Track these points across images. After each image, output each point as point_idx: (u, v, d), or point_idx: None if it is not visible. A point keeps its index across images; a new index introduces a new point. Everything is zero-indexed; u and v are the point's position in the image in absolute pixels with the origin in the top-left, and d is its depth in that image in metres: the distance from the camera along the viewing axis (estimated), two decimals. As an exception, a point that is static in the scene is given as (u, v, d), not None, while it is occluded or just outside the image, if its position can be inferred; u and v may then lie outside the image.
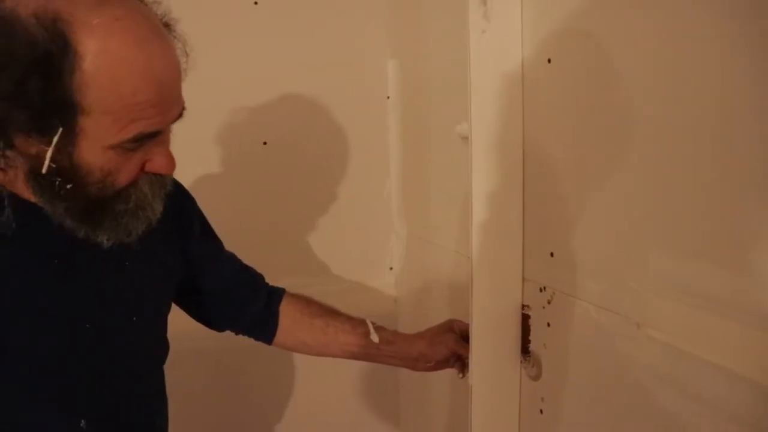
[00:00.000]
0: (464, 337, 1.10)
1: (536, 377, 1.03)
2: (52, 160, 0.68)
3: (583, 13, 0.87)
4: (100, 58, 0.66)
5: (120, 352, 0.85)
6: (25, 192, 0.74)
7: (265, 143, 1.53)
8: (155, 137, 0.73)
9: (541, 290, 1.00)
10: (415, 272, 1.61)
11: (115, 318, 0.84)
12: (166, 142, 0.76)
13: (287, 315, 1.12)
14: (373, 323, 1.14)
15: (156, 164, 0.75)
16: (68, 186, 0.71)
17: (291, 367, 1.63)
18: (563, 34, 0.91)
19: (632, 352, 0.80)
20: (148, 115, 0.70)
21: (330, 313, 1.14)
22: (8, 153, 0.69)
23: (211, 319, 1.11)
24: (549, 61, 0.93)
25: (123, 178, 0.73)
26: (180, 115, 0.76)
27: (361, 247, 1.66)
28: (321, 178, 1.60)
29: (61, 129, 0.67)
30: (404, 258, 1.65)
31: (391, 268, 1.68)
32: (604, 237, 0.87)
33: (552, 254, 0.97)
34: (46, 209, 0.73)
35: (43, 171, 0.69)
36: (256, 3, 1.49)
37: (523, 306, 1.04)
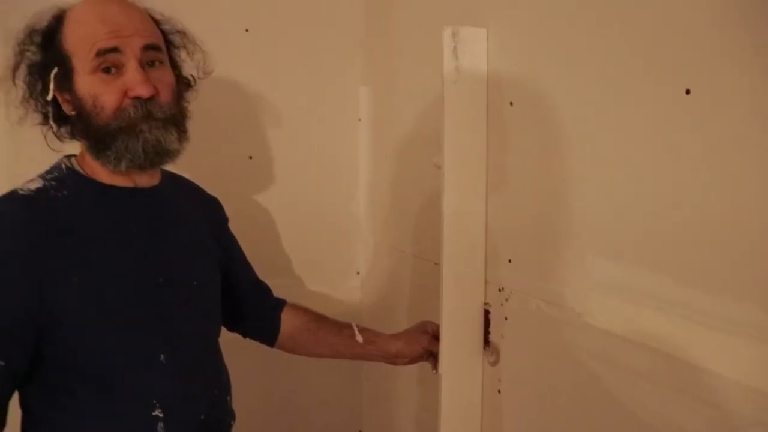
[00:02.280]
0: (436, 337, 1.28)
1: (494, 363, 1.23)
2: (69, 101, 0.98)
3: (540, 65, 1.09)
4: (71, 17, 0.98)
5: (184, 306, 1.05)
6: (104, 173, 1.01)
7: (250, 157, 1.70)
8: (114, 55, 0.95)
9: (500, 290, 1.21)
10: (379, 276, 1.80)
11: (181, 278, 1.06)
12: (134, 69, 0.95)
13: (287, 322, 1.31)
14: (357, 325, 1.33)
15: (130, 85, 0.95)
16: (81, 117, 0.97)
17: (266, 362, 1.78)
18: (523, 82, 1.13)
19: (574, 337, 1.02)
20: (102, 37, 0.94)
21: (322, 319, 1.34)
22: (50, 122, 1.00)
23: (226, 320, 1.27)
24: (511, 104, 1.15)
25: (109, 101, 0.95)
26: (147, 47, 0.98)
27: (331, 254, 1.84)
28: (298, 189, 1.76)
29: (56, 68, 0.96)
30: (370, 263, 1.83)
31: (357, 273, 1.87)
32: (553, 246, 1.08)
33: (510, 260, 1.18)
34: (96, 158, 0.99)
35: (48, 98, 0.98)
36: (247, 30, 1.66)
37: (484, 304, 1.25)
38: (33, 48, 0.99)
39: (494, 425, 1.24)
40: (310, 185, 1.78)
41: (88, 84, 0.95)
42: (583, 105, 0.99)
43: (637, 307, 0.90)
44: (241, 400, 1.73)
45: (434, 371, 1.31)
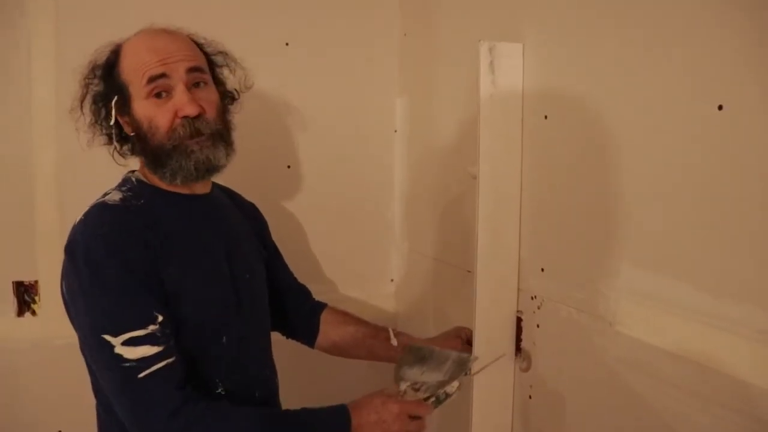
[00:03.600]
0: (469, 342, 1.32)
1: (526, 369, 1.26)
2: (128, 123, 1.10)
3: (574, 80, 1.12)
4: (126, 50, 1.10)
5: (241, 294, 1.16)
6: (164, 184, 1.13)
7: (289, 167, 1.75)
8: (163, 80, 1.05)
9: (532, 298, 1.24)
10: (413, 283, 1.83)
11: (238, 270, 1.17)
12: (181, 92, 1.06)
13: (327, 323, 1.38)
14: (393, 329, 1.37)
15: (179, 105, 1.06)
16: (139, 137, 1.08)
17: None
18: (558, 96, 1.16)
19: (605, 345, 1.05)
20: (152, 66, 1.06)
21: (360, 322, 1.40)
22: (113, 143, 1.13)
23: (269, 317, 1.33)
24: (546, 117, 1.18)
25: (161, 123, 1.06)
26: (191, 69, 1.08)
27: (366, 261, 1.88)
28: (334, 197, 1.81)
29: (123, 92, 1.08)
30: (404, 270, 1.87)
31: (392, 280, 1.91)
32: (585, 256, 1.11)
33: (542, 269, 1.21)
34: (154, 173, 1.11)
35: (111, 122, 1.12)
36: (287, 44, 1.72)
37: (517, 311, 1.27)
38: (96, 80, 1.12)
39: (525, 430, 1.27)
40: (347, 194, 1.83)
41: (143, 108, 1.06)
42: (617, 119, 1.02)
43: (670, 317, 0.93)
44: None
45: (464, 374, 1.34)
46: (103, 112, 1.13)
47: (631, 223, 1.00)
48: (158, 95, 1.06)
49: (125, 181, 1.13)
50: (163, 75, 1.05)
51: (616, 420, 1.04)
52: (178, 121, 1.06)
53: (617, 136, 1.02)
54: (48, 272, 1.56)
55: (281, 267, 1.40)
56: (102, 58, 1.12)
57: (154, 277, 1.02)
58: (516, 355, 1.27)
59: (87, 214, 1.04)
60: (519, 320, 1.27)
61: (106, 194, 1.09)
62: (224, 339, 1.11)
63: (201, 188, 1.17)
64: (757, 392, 0.79)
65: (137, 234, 1.03)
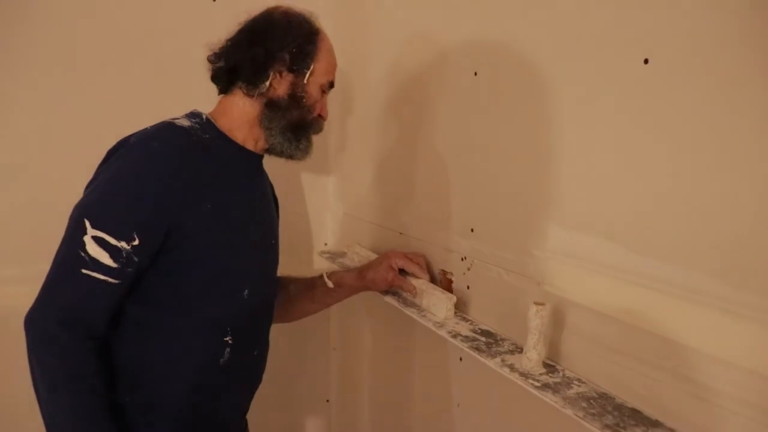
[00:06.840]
0: (402, 270, 1.31)
1: (456, 330, 1.25)
2: (293, 85, 1.18)
3: (503, 33, 1.10)
4: (325, 40, 1.22)
5: (266, 255, 1.26)
6: (240, 134, 1.19)
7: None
8: (330, 90, 1.25)
9: (462, 259, 1.23)
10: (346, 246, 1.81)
11: (267, 235, 1.27)
12: (326, 102, 1.25)
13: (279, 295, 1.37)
14: (326, 273, 1.38)
15: (324, 111, 1.24)
16: (296, 102, 1.18)
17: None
18: (487, 51, 1.13)
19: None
20: (333, 72, 1.25)
21: (292, 281, 1.42)
22: (264, 86, 1.16)
23: None
24: (476, 74, 1.16)
25: (316, 109, 1.22)
26: None
27: (300, 225, 1.84)
28: (268, 160, 1.76)
29: (313, 65, 1.18)
30: (338, 234, 1.84)
31: (326, 244, 1.88)
32: (514, 217, 1.10)
33: (472, 230, 1.20)
34: (266, 130, 1.19)
35: (305, 80, 1.19)
36: (214, 0, 1.64)
37: (446, 272, 1.26)
38: (293, 34, 1.18)
39: (455, 392, 1.27)
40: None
41: (315, 91, 1.21)
42: (545, 75, 1.01)
43: (598, 277, 0.93)
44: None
45: (413, 295, 1.30)
46: (286, 59, 1.17)
47: (559, 184, 1.00)
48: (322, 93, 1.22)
49: (195, 114, 1.18)
50: (333, 85, 1.26)
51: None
52: (317, 116, 1.23)
53: (545, 93, 1.01)
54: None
55: None
56: (305, 27, 1.20)
57: (168, 206, 1.05)
58: (446, 316, 1.26)
59: (153, 126, 1.12)
60: (449, 282, 1.26)
61: (179, 118, 1.15)
62: (246, 293, 1.16)
63: (260, 148, 1.23)
64: (684, 350, 0.80)
65: (181, 162, 1.07)
